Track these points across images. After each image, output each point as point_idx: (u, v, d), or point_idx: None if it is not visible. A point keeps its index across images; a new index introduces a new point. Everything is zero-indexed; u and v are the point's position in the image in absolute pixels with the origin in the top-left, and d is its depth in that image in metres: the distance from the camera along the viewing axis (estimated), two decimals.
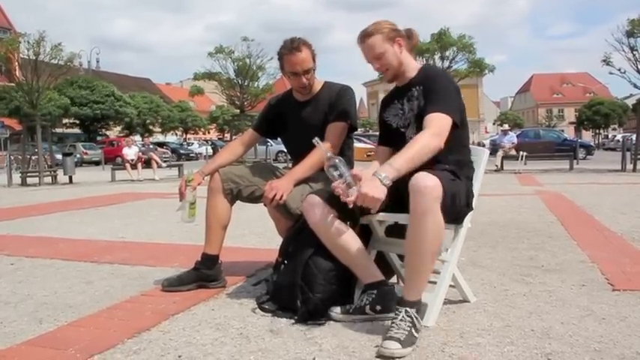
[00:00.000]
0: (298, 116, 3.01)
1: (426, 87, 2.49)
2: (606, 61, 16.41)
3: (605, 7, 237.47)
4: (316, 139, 2.55)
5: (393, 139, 2.65)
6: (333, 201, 2.45)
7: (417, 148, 2.26)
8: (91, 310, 2.74)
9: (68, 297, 3.00)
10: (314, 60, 2.91)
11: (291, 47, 2.84)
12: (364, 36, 2.54)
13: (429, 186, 2.10)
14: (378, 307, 2.41)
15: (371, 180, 2.18)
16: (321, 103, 2.97)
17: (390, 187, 2.20)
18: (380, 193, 2.15)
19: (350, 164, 2.98)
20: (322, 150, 2.53)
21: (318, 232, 2.50)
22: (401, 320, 2.13)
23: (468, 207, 2.47)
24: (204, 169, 3.06)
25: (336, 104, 2.92)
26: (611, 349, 2.06)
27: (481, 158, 2.67)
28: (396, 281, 2.89)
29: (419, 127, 2.45)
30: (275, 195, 2.66)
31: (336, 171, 2.34)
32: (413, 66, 2.61)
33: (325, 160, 2.39)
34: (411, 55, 2.63)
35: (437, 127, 2.33)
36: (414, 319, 2.14)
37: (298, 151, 2.98)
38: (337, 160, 2.35)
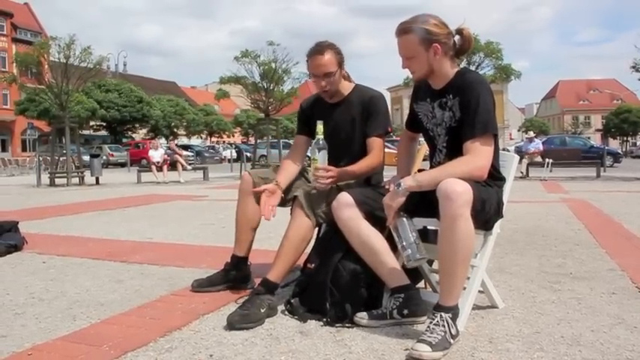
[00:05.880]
0: (329, 118, 2.96)
1: (463, 101, 2.35)
2: (636, 67, 16.18)
3: (633, 12, 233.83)
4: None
5: (419, 130, 2.69)
6: (363, 202, 2.49)
7: (457, 174, 2.18)
8: (123, 308, 2.79)
9: (100, 295, 3.06)
10: (340, 65, 2.90)
11: (314, 50, 2.88)
12: (401, 30, 2.38)
13: (457, 191, 2.09)
14: (405, 311, 2.43)
15: (393, 191, 2.32)
16: (351, 105, 2.97)
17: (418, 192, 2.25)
18: (393, 202, 2.30)
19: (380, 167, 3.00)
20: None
21: (346, 232, 2.52)
22: (435, 325, 2.13)
23: (498, 214, 2.46)
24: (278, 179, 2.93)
25: (371, 114, 2.91)
26: None
27: (511, 164, 2.64)
28: (423, 286, 2.89)
29: (451, 141, 2.44)
30: (330, 174, 2.66)
31: (396, 230, 2.35)
32: (448, 72, 2.42)
33: (393, 214, 2.35)
34: (450, 61, 2.42)
35: (484, 157, 2.28)
36: (448, 324, 2.14)
37: (330, 153, 2.98)
38: (404, 220, 2.35)
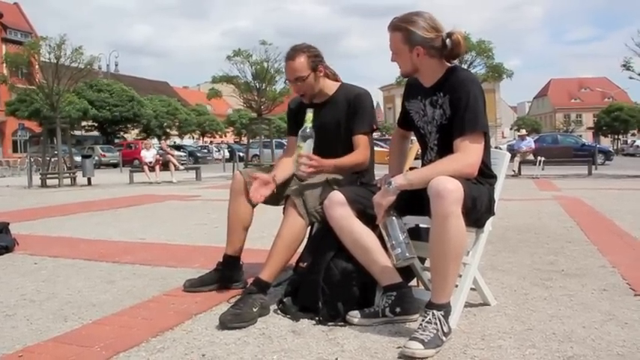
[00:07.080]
0: (315, 117, 2.87)
1: (453, 99, 2.35)
2: (626, 66, 16.26)
3: (624, 11, 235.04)
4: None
5: (410, 128, 2.69)
6: (355, 201, 2.50)
7: (447, 172, 2.18)
8: (115, 309, 2.78)
9: (92, 296, 3.05)
10: (314, 68, 2.88)
11: (286, 55, 2.90)
12: (391, 26, 2.41)
13: (448, 189, 2.09)
14: (398, 309, 2.43)
15: (384, 190, 2.33)
16: (337, 104, 2.96)
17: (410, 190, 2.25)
18: (383, 200, 2.31)
19: (371, 165, 2.99)
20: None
21: (338, 230, 2.53)
22: (427, 322, 2.14)
23: (490, 212, 2.47)
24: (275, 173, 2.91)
25: (357, 112, 2.90)
26: (634, 354, 2.05)
27: (502, 162, 2.66)
28: (415, 284, 2.89)
29: (442, 139, 2.44)
30: (313, 163, 2.62)
31: (385, 229, 2.36)
32: (436, 71, 2.43)
33: (383, 212, 2.35)
34: (438, 61, 2.41)
35: (474, 154, 2.28)
36: (441, 322, 2.14)
37: (317, 153, 2.96)
38: (394, 218, 2.35)
